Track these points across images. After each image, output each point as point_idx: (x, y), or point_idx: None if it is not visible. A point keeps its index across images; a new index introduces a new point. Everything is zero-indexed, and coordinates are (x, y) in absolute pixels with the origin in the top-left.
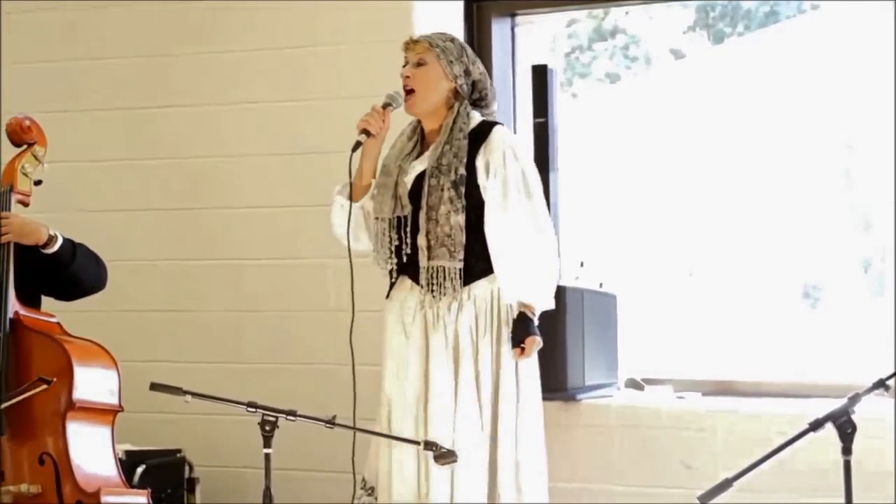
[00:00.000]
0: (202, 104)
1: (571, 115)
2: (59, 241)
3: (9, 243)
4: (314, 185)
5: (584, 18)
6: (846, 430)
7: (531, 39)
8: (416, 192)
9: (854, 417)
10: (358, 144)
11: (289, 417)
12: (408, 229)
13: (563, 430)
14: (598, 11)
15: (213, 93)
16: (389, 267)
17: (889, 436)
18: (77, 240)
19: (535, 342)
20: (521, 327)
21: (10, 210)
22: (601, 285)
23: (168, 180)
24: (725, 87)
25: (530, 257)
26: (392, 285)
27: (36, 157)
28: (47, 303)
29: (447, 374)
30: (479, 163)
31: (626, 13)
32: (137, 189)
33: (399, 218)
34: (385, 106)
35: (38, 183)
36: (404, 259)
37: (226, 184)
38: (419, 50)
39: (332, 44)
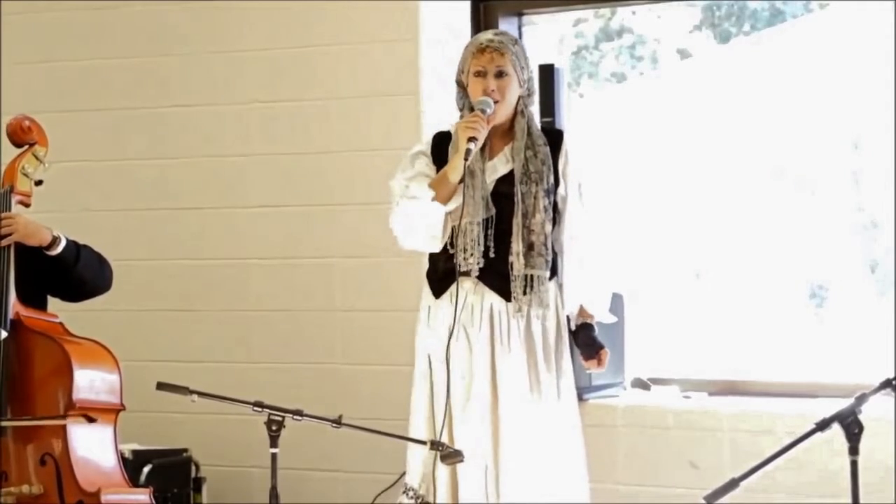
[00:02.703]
0: (208, 104)
1: (578, 114)
2: (63, 243)
3: (8, 245)
4: (321, 184)
5: (590, 18)
6: (853, 431)
7: (538, 39)
8: (498, 196)
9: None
10: (468, 152)
11: (295, 417)
12: (490, 232)
13: None
14: (605, 11)
15: (218, 92)
16: (476, 267)
17: (890, 435)
18: (83, 240)
19: (608, 354)
20: (592, 338)
21: (10, 211)
22: None
23: (175, 180)
24: (732, 87)
25: (602, 266)
26: (440, 285)
27: (37, 158)
28: (53, 303)
29: (521, 380)
30: (558, 171)
31: (633, 13)
32: (143, 189)
33: (484, 220)
34: (482, 111)
35: (39, 183)
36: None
37: (233, 183)
38: (497, 60)
39: (338, 43)
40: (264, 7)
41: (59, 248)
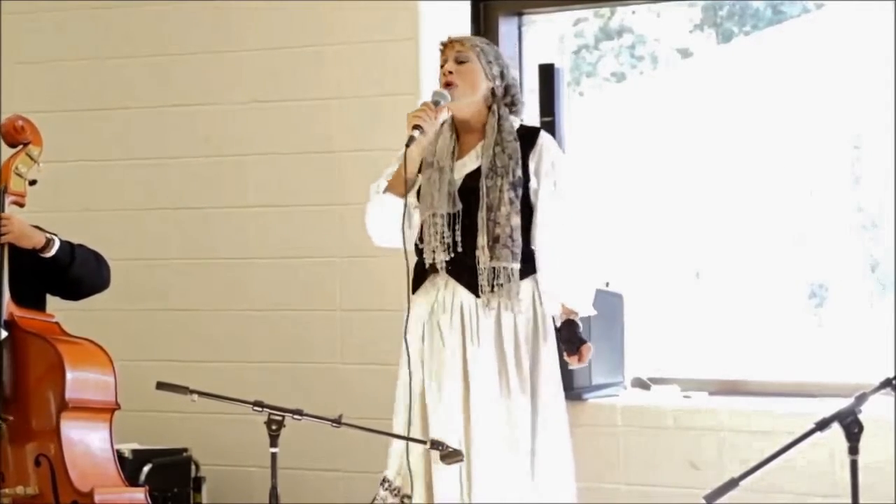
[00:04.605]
0: (208, 104)
1: (578, 113)
2: (57, 245)
3: (2, 246)
4: (322, 184)
5: (590, 17)
6: (853, 430)
7: (538, 38)
8: (465, 191)
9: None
10: (411, 139)
11: (295, 417)
12: (457, 227)
13: (570, 430)
14: (605, 10)
15: (218, 92)
16: (441, 261)
17: (890, 435)
18: (83, 240)
19: (590, 349)
20: (574, 334)
21: (4, 211)
22: (608, 285)
23: (176, 180)
24: (732, 87)
25: (579, 263)
26: (417, 281)
27: (31, 158)
28: (53, 303)
29: (490, 375)
30: (531, 166)
31: (633, 12)
32: (143, 189)
33: (449, 215)
34: (435, 103)
35: (33, 183)
36: (452, 256)
37: (233, 183)
38: (459, 48)
39: (338, 43)
40: (264, 7)
41: (53, 251)
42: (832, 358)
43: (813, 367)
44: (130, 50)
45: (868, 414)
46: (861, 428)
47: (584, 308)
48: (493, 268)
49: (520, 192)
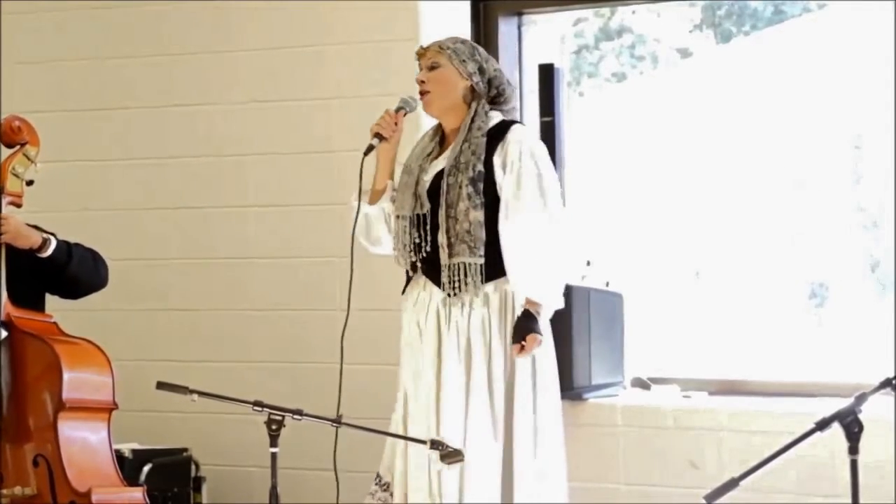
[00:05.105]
0: (207, 103)
1: (578, 113)
2: (53, 245)
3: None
4: (322, 184)
5: (590, 17)
6: (853, 430)
7: (538, 38)
8: (434, 191)
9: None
10: (370, 148)
11: (295, 417)
12: (427, 227)
13: (570, 429)
14: (605, 10)
15: (218, 92)
16: (409, 263)
17: (890, 435)
18: (82, 240)
19: (536, 340)
20: (524, 324)
21: (1, 212)
22: (608, 284)
23: (176, 180)
24: (732, 87)
25: (540, 254)
26: (408, 283)
27: (28, 158)
28: (52, 302)
29: (459, 374)
30: (497, 160)
31: (633, 12)
32: (143, 189)
33: (419, 216)
34: (398, 110)
35: (30, 183)
36: (423, 256)
37: (233, 183)
38: (430, 55)
39: (338, 43)
40: (264, 7)
41: (50, 251)
42: (832, 358)
43: (813, 367)
44: (130, 50)
45: (868, 414)
46: (861, 428)
47: (546, 300)
48: (454, 264)
49: (480, 186)
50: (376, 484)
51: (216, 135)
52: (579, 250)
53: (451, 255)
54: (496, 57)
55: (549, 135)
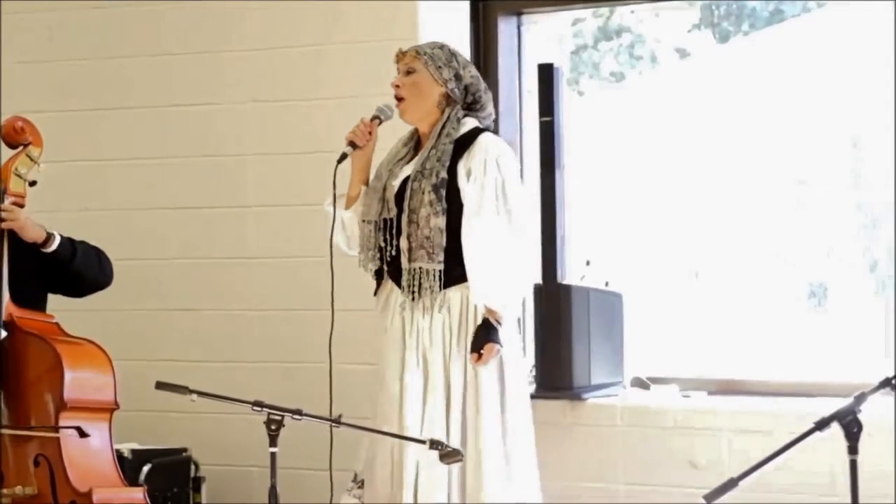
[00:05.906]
0: (207, 103)
1: (577, 113)
2: (58, 240)
3: (2, 241)
4: (319, 183)
5: (589, 17)
6: (852, 430)
7: (537, 38)
8: (402, 196)
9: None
10: (344, 156)
11: (294, 416)
12: (393, 232)
13: (569, 430)
14: (604, 10)
15: (217, 92)
16: (373, 268)
17: (890, 435)
18: (84, 239)
19: (494, 350)
20: (482, 334)
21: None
22: (607, 284)
23: (176, 180)
24: (731, 86)
25: (498, 263)
26: (378, 287)
27: (31, 158)
28: (53, 302)
29: (417, 377)
30: (461, 168)
31: (632, 12)
32: (143, 189)
33: (385, 220)
34: (373, 119)
35: (33, 184)
36: (388, 260)
37: (233, 183)
38: (407, 60)
39: (338, 43)
40: (263, 7)
41: (54, 246)
42: (832, 357)
43: (813, 366)
44: (130, 50)
45: (868, 414)
46: (860, 428)
47: (503, 309)
48: (414, 269)
49: (442, 193)
50: (353, 481)
51: (216, 135)
52: (533, 261)
53: (410, 260)
54: (495, 57)
55: (547, 134)
